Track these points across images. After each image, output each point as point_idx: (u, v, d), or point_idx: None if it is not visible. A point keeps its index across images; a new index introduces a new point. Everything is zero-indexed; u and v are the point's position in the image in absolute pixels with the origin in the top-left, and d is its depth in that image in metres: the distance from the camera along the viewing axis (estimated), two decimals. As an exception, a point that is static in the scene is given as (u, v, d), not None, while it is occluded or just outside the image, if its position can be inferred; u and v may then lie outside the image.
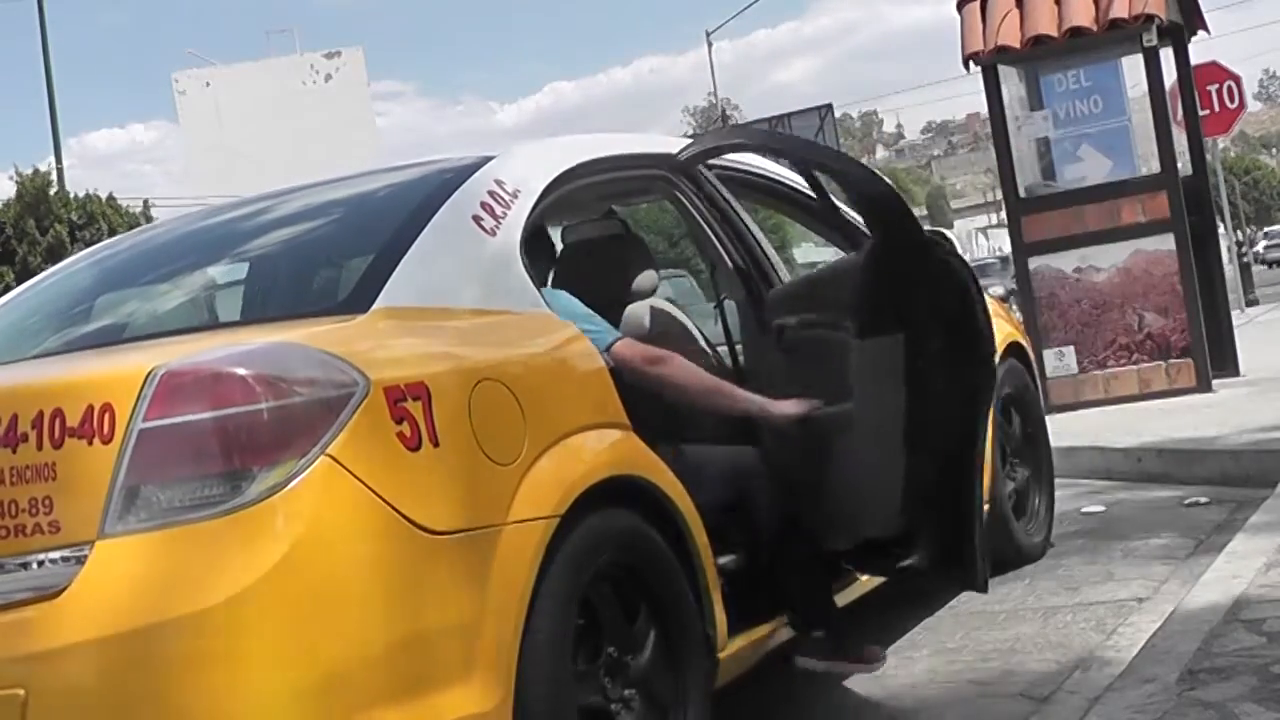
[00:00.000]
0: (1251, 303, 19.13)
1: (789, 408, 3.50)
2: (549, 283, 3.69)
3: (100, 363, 2.69)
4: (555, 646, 2.63)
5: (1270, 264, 39.68)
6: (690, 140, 4.32)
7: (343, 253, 3.39)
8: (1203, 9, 9.46)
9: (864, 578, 3.89)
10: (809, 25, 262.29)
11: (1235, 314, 10.91)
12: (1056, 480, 5.41)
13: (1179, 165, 8.90)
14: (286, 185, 3.86)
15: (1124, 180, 8.75)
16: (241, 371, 2.34)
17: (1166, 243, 8.56)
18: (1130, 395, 8.58)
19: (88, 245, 12.62)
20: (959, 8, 9.19)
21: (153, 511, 2.27)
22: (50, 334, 3.36)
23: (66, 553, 2.27)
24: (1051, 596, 4.45)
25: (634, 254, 4.16)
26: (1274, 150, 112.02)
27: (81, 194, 25.53)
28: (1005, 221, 10.14)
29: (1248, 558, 3.95)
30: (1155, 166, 8.78)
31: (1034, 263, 8.85)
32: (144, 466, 2.27)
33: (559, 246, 4.24)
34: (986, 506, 4.60)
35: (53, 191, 24.88)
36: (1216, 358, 8.73)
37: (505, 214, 3.19)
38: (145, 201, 27.24)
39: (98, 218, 24.78)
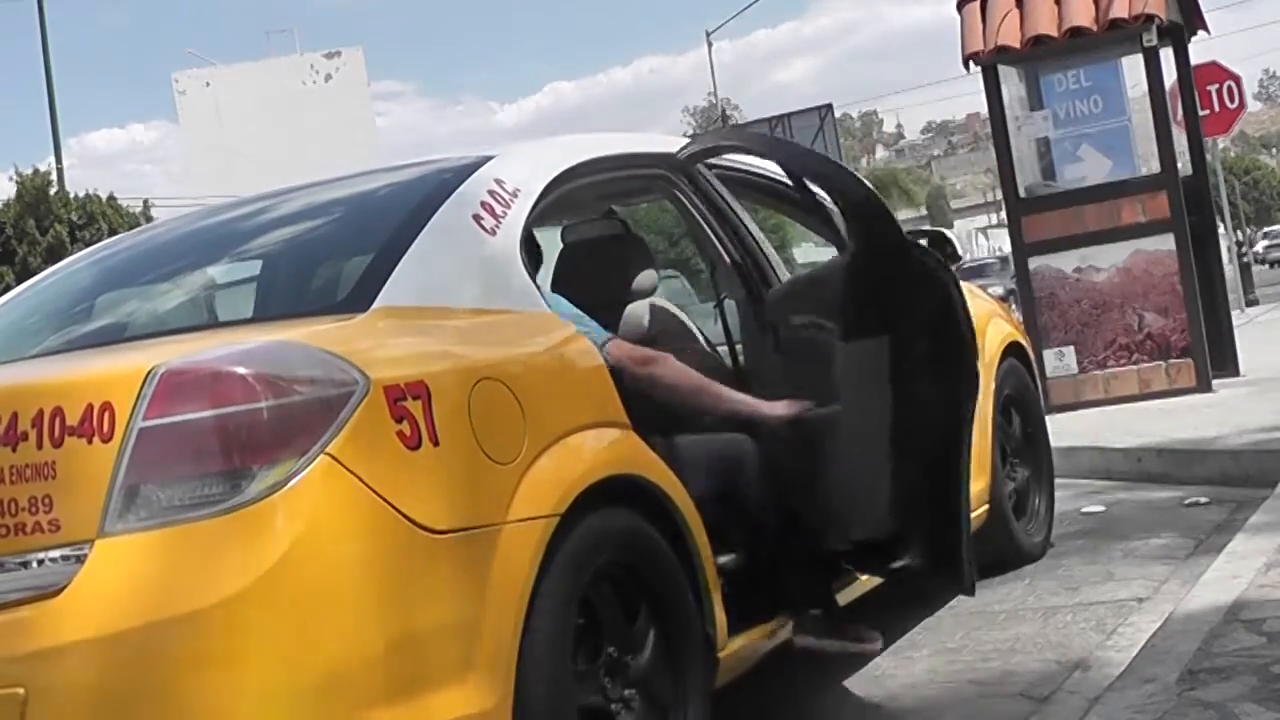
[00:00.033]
0: (1251, 303, 19.13)
1: (780, 409, 3.50)
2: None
3: (100, 362, 2.68)
4: (555, 646, 2.63)
5: (1270, 264, 39.67)
6: (690, 140, 4.32)
7: (343, 252, 3.38)
8: (1203, 9, 9.46)
9: (863, 578, 3.90)
10: (809, 25, 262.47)
11: (1235, 314, 10.91)
12: (1056, 480, 5.40)
13: (1179, 165, 8.90)
14: (286, 185, 3.86)
15: (1124, 180, 8.75)
16: (241, 370, 2.34)
17: (1166, 243, 8.56)
18: (1130, 395, 8.58)
19: (88, 245, 12.58)
20: (959, 8, 9.19)
21: (153, 510, 2.27)
22: (50, 333, 3.36)
23: (66, 551, 2.27)
24: (1051, 596, 4.45)
25: (634, 253, 4.16)
26: (1274, 150, 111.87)
27: (81, 194, 25.49)
28: (1005, 221, 10.14)
29: (1248, 558, 3.95)
30: (1155, 166, 8.78)
31: (1034, 263, 8.85)
32: (144, 465, 2.27)
33: (543, 249, 4.23)
34: (986, 506, 4.62)
35: (53, 191, 24.85)
36: (1216, 358, 8.73)
37: (505, 213, 3.20)
38: (145, 201, 27.22)
39: (98, 218, 24.75)
